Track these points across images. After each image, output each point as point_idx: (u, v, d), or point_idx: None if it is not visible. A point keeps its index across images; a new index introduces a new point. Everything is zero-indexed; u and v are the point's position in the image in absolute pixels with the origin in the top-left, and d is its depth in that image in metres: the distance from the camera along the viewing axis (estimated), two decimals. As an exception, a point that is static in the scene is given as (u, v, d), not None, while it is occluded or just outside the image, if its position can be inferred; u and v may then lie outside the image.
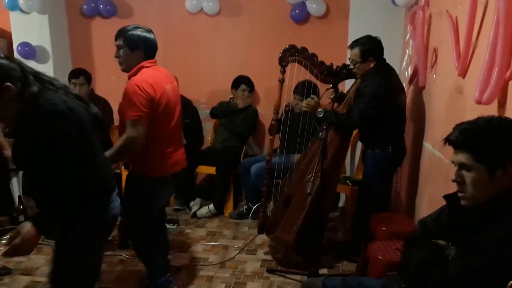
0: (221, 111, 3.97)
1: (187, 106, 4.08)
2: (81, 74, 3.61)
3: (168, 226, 3.53)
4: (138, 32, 2.20)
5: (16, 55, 4.09)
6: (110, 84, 4.16)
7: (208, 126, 4.27)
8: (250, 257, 3.06)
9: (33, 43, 4.05)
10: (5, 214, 3.64)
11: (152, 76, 2.16)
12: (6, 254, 1.53)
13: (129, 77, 2.19)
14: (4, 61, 1.46)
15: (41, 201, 1.62)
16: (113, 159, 2.12)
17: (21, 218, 3.35)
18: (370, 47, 2.74)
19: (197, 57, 4.28)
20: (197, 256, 3.07)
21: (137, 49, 2.18)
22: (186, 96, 4.12)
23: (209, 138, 4.25)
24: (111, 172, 1.81)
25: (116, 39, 2.20)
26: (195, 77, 4.28)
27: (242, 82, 3.95)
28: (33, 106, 1.47)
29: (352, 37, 2.93)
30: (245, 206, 3.77)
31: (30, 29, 4.07)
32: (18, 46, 4.03)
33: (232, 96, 4.01)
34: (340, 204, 4.02)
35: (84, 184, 1.55)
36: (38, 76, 1.55)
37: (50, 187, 1.51)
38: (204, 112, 4.21)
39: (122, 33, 2.19)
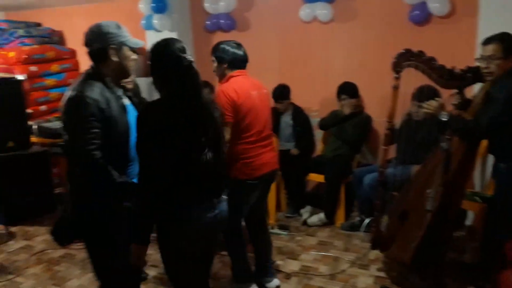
0: (329, 121, 3.92)
1: (298, 113, 4.13)
2: (206, 86, 3.91)
3: (279, 231, 3.62)
4: (226, 46, 2.50)
5: (150, 69, 4.61)
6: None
7: (320, 134, 4.24)
8: (363, 272, 2.94)
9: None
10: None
11: (238, 82, 2.44)
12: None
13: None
14: None
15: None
16: None
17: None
18: None
19: (311, 65, 4.30)
20: (307, 265, 3.06)
21: (222, 62, 2.48)
22: (299, 103, 4.17)
23: (321, 146, 4.22)
24: None
25: (211, 54, 2.54)
26: (308, 84, 4.30)
27: (340, 91, 3.87)
28: None
29: (483, 36, 2.63)
30: (358, 218, 3.65)
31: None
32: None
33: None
34: (468, 222, 3.63)
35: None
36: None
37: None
38: (316, 120, 4.19)
39: (212, 50, 2.52)
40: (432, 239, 2.51)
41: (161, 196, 1.64)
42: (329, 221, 3.78)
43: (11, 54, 4.59)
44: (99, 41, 1.84)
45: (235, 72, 2.48)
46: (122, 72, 1.93)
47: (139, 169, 1.71)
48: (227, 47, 2.49)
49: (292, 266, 3.04)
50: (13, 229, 3.80)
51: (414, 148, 3.04)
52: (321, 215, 3.78)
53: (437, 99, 2.66)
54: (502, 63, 2.42)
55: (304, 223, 3.80)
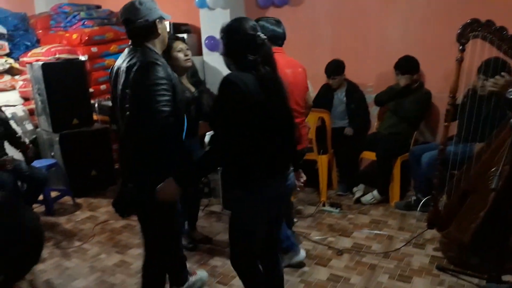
0: (386, 96, 3.77)
1: (353, 90, 4.02)
2: None
3: (330, 209, 3.60)
4: (265, 23, 2.47)
5: (203, 47, 4.67)
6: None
7: (375, 111, 4.11)
8: (418, 251, 2.86)
9: (217, 36, 4.53)
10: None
11: (277, 60, 2.32)
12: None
13: None
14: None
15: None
16: None
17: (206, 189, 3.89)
18: None
19: (366, 39, 4.13)
20: (359, 243, 3.03)
21: None
22: (353, 79, 4.05)
23: (375, 124, 4.09)
24: None
25: None
26: (363, 59, 4.15)
27: (398, 66, 3.69)
28: None
29: None
30: (414, 197, 3.53)
31: (215, 24, 4.56)
32: (205, 39, 4.58)
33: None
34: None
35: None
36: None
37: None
38: (371, 96, 4.06)
39: None
40: (494, 220, 2.38)
41: (246, 165, 1.74)
42: (383, 199, 3.69)
43: (74, 36, 4.83)
44: (145, 15, 1.89)
45: (274, 49, 2.41)
46: (164, 45, 2.02)
47: (214, 139, 1.78)
48: (267, 24, 2.48)
49: (344, 243, 3.02)
50: (79, 200, 4.09)
51: (478, 124, 2.86)
52: (375, 192, 3.71)
53: (503, 74, 2.47)
54: None
55: (357, 201, 3.75)
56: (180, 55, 2.66)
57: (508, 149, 2.24)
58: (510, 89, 2.32)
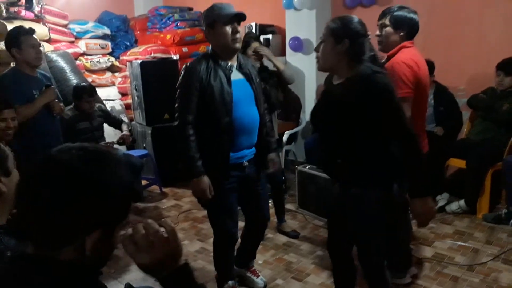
0: (482, 103, 3.53)
1: (442, 92, 3.82)
2: None
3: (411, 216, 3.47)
4: (404, 12, 2.21)
5: (287, 48, 4.75)
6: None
7: (466, 115, 3.87)
8: (508, 267, 2.67)
9: (302, 37, 4.61)
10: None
11: (415, 54, 2.18)
12: None
13: (389, 57, 2.23)
14: (361, 28, 1.72)
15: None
16: None
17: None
18: None
19: (459, 40, 3.90)
20: (441, 253, 2.89)
21: (400, 29, 2.20)
22: (443, 82, 3.86)
23: (465, 129, 3.86)
24: None
25: (380, 19, 2.26)
26: (456, 61, 3.93)
27: (500, 67, 3.43)
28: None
29: None
30: (505, 210, 3.27)
31: (300, 24, 4.64)
32: (290, 40, 4.67)
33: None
34: None
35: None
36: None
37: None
38: (461, 100, 3.84)
39: (388, 12, 2.23)
40: None
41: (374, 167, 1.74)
42: (470, 210, 3.48)
43: (168, 36, 5.20)
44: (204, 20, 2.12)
45: (408, 43, 2.20)
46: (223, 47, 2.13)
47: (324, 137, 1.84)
48: (407, 13, 2.19)
49: (424, 252, 2.91)
50: (165, 190, 4.40)
51: None
52: (462, 202, 3.50)
53: None
54: None
55: (440, 210, 3.56)
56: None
57: None
58: None
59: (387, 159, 1.74)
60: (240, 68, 2.18)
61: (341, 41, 1.70)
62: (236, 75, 2.16)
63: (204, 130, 2.13)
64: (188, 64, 2.15)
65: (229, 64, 2.15)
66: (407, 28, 2.19)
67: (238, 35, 2.09)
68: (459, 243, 3.02)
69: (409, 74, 2.08)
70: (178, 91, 2.14)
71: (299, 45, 4.59)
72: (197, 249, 3.13)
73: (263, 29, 4.85)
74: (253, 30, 4.78)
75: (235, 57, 2.19)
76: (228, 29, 2.06)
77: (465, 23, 3.86)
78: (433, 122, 3.84)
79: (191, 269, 0.92)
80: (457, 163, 3.60)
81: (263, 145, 2.30)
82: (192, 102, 2.09)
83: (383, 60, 2.23)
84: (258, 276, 2.58)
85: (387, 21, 2.21)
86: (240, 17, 2.10)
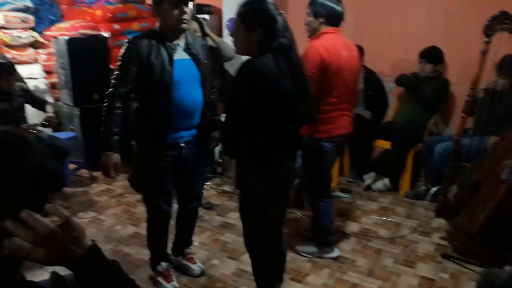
0: (409, 79, 3.77)
1: (370, 77, 4.01)
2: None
3: (340, 194, 3.66)
4: (325, 1, 2.37)
5: (224, 29, 4.70)
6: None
7: (392, 100, 4.11)
8: (424, 238, 2.92)
9: (238, 18, 4.57)
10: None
11: (330, 40, 2.34)
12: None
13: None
14: (276, 15, 1.71)
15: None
16: None
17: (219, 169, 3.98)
18: None
19: (388, 27, 4.09)
20: (367, 228, 3.09)
21: (319, 16, 2.36)
22: (372, 67, 4.05)
23: (391, 113, 4.10)
24: None
25: (308, 8, 2.42)
26: (383, 48, 4.12)
27: (422, 55, 3.69)
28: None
29: None
30: (424, 187, 3.57)
31: (237, 5, 4.58)
32: (227, 21, 4.61)
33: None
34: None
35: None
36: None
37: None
38: (389, 85, 4.06)
39: (310, 2, 2.40)
40: (503, 211, 2.42)
41: (263, 145, 1.77)
42: (393, 188, 3.74)
43: (98, 12, 4.90)
44: None
45: (329, 29, 2.36)
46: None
47: (229, 119, 1.82)
48: (327, 2, 2.36)
49: (351, 227, 3.09)
50: (95, 173, 4.21)
51: (494, 119, 2.86)
52: (386, 181, 3.75)
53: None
54: None
55: (366, 188, 3.80)
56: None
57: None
58: None
59: (262, 140, 1.78)
60: (187, 48, 2.13)
61: (254, 29, 1.71)
62: (181, 55, 2.10)
63: (143, 108, 2.12)
64: (131, 38, 2.10)
65: (174, 43, 2.09)
66: (326, 16, 2.36)
67: (185, 16, 2.03)
68: (383, 218, 3.24)
69: (313, 59, 2.26)
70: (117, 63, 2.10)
71: (235, 27, 4.57)
72: (131, 234, 3.05)
73: (200, 8, 4.75)
74: (191, 9, 4.66)
75: (183, 36, 2.13)
76: (176, 11, 2.00)
77: (391, 13, 4.06)
78: (361, 105, 4.04)
79: (99, 248, 0.88)
80: (383, 144, 3.84)
81: (206, 126, 2.27)
82: (127, 76, 2.04)
83: None
84: (195, 263, 2.57)
85: (310, 11, 2.40)
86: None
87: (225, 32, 4.70)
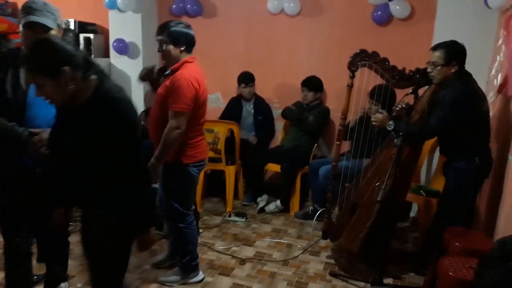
0: (293, 114, 4.02)
1: (260, 103, 4.20)
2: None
3: (236, 218, 3.69)
4: (180, 28, 2.35)
5: (111, 50, 4.48)
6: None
7: (280, 125, 4.33)
8: (313, 258, 3.08)
9: (127, 40, 4.40)
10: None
11: (196, 72, 2.35)
12: None
13: (173, 70, 2.35)
14: (69, 47, 1.48)
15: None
16: (161, 154, 2.30)
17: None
18: (456, 50, 2.58)
19: (275, 57, 4.35)
20: (261, 251, 3.15)
21: (179, 44, 2.33)
22: (261, 94, 4.24)
23: (280, 137, 4.31)
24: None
25: (158, 34, 2.35)
26: (271, 76, 4.36)
27: (304, 84, 3.98)
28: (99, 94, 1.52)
29: (436, 41, 2.80)
30: (311, 207, 3.79)
31: (125, 27, 4.42)
32: (114, 42, 4.40)
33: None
34: (412, 214, 3.87)
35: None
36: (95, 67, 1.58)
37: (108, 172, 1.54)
38: (276, 111, 4.28)
39: (165, 28, 2.34)
40: (378, 229, 2.67)
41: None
42: (285, 209, 3.90)
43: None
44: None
45: (190, 58, 2.37)
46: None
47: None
48: (184, 29, 2.35)
49: (247, 252, 3.12)
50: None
51: (367, 143, 3.18)
52: (278, 202, 3.91)
53: (381, 111, 2.81)
54: (443, 69, 2.59)
55: (260, 211, 3.90)
56: None
57: (392, 165, 2.54)
58: (389, 122, 2.65)
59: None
60: None
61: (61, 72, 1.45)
62: None
63: None
64: None
65: None
66: (186, 43, 2.36)
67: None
68: (276, 240, 3.35)
69: (190, 92, 2.26)
70: None
71: (124, 48, 4.38)
72: None
73: (83, 27, 4.46)
74: (72, 27, 4.35)
75: None
76: (31, 34, 1.87)
77: (278, 43, 4.32)
78: (252, 131, 4.18)
79: None
80: (273, 167, 4.00)
81: None
82: None
83: (167, 72, 2.37)
84: None
85: (165, 37, 2.33)
86: (30, 25, 1.88)
87: (112, 53, 4.50)
